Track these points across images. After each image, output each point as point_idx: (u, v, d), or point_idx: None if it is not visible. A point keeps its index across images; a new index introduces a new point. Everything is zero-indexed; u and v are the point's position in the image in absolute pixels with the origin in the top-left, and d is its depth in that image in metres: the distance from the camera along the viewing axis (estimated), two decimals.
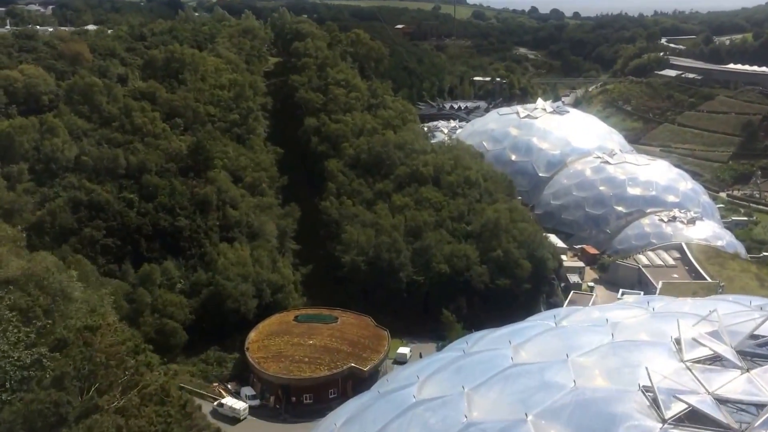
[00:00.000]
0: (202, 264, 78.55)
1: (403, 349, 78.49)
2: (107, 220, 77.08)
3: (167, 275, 75.48)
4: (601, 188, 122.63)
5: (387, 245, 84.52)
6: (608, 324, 34.73)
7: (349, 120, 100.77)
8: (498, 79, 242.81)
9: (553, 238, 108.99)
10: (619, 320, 35.10)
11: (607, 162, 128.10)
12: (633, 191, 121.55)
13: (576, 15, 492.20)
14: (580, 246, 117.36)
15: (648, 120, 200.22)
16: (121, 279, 73.47)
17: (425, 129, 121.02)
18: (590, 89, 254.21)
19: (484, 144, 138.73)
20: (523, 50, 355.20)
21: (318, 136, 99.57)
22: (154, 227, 79.10)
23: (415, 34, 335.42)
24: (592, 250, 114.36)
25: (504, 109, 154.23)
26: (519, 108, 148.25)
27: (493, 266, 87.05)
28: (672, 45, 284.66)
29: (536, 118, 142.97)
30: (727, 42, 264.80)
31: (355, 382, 66.06)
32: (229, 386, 68.05)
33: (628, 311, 38.19)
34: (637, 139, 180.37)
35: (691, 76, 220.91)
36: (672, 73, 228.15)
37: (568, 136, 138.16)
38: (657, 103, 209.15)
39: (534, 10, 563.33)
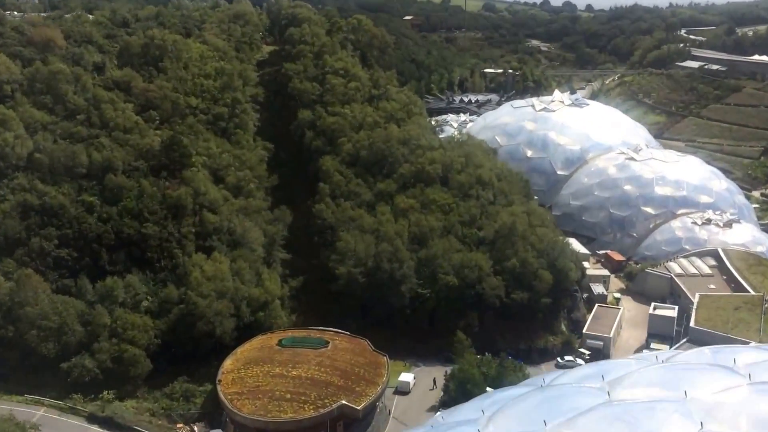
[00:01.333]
0: (174, 278, 67.91)
1: (406, 376, 67.82)
2: (62, 228, 66.44)
3: (131, 291, 65.03)
4: (626, 187, 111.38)
5: (388, 254, 73.82)
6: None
7: (348, 113, 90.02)
8: (510, 71, 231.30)
9: (574, 243, 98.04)
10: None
11: (632, 158, 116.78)
12: (662, 191, 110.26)
13: (589, 8, 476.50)
14: (603, 252, 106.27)
15: (671, 113, 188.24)
16: (76, 296, 63.15)
17: (433, 123, 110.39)
18: (607, 82, 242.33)
19: (497, 139, 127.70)
20: (535, 42, 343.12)
21: (313, 131, 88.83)
22: (117, 235, 68.39)
23: (424, 26, 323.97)
24: (617, 257, 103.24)
25: (518, 102, 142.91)
26: (535, 100, 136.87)
27: (508, 277, 76.41)
28: (691, 36, 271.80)
29: (553, 111, 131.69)
30: (750, 33, 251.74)
31: (348, 424, 55.47)
32: (195, 429, 57.31)
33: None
34: (660, 134, 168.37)
35: (714, 67, 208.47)
36: (694, 64, 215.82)
37: (589, 131, 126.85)
38: (680, 96, 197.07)
39: (546, 2, 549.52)
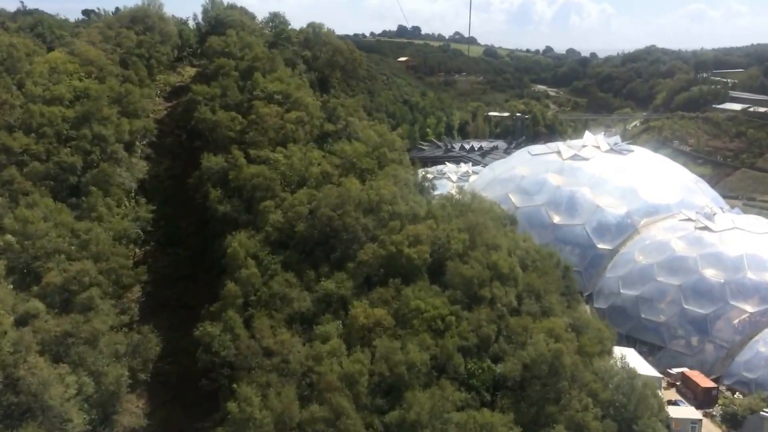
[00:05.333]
0: None
1: None
2: None
3: None
4: (706, 271, 76.08)
5: (325, 424, 38.59)
6: None
7: (281, 159, 55.49)
8: (519, 114, 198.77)
9: (632, 357, 62.73)
10: None
11: (705, 227, 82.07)
12: (757, 276, 75.23)
13: (593, 55, 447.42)
14: (678, 371, 70.68)
15: (718, 164, 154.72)
16: None
17: (424, 175, 75.55)
18: (629, 127, 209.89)
19: (511, 198, 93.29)
20: (541, 87, 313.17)
21: (222, 188, 54.42)
22: None
23: (421, 68, 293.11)
24: (703, 380, 67.16)
25: (537, 148, 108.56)
26: (560, 145, 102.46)
27: None
28: (720, 78, 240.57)
29: (586, 159, 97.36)
30: None
31: None
32: None
33: None
34: None
35: (762, 109, 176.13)
36: (736, 106, 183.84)
37: (637, 186, 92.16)
38: (724, 143, 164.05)
39: (549, 49, 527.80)
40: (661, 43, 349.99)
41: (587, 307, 77.18)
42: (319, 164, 58.00)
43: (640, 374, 54.11)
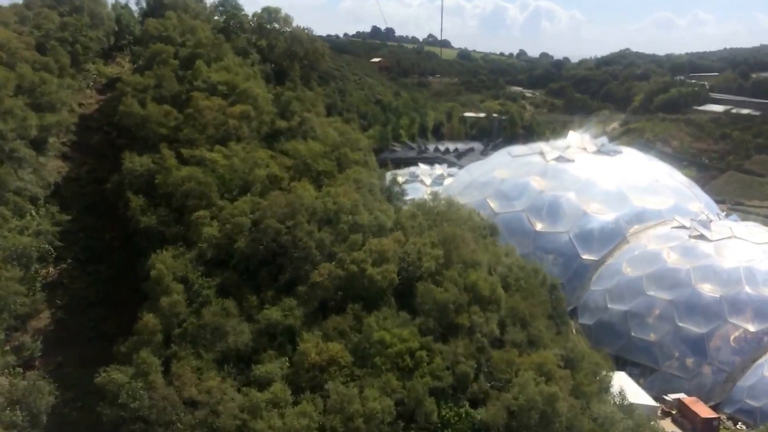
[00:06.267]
0: None
1: None
2: None
3: None
4: (701, 286, 68.82)
5: None
6: None
7: (220, 160, 46.88)
8: (495, 114, 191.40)
9: (624, 381, 55.46)
10: None
11: (700, 236, 74.93)
12: (758, 291, 68.14)
13: (566, 59, 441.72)
14: (674, 397, 63.33)
15: (704, 166, 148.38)
16: None
17: (393, 179, 67.37)
18: (607, 129, 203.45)
19: (489, 203, 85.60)
20: (517, 88, 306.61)
21: (148, 195, 45.62)
22: None
23: (394, 69, 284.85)
24: (702, 410, 59.49)
25: (518, 149, 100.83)
26: (543, 146, 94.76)
27: None
28: (695, 81, 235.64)
29: (571, 161, 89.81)
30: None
31: None
32: None
33: None
34: None
35: (745, 111, 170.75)
36: (718, 108, 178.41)
37: (626, 191, 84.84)
38: (708, 145, 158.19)
39: (522, 53, 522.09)
40: (633, 49, 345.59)
41: (576, 324, 69.89)
42: (266, 166, 49.30)
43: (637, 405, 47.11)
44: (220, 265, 42.77)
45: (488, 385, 40.06)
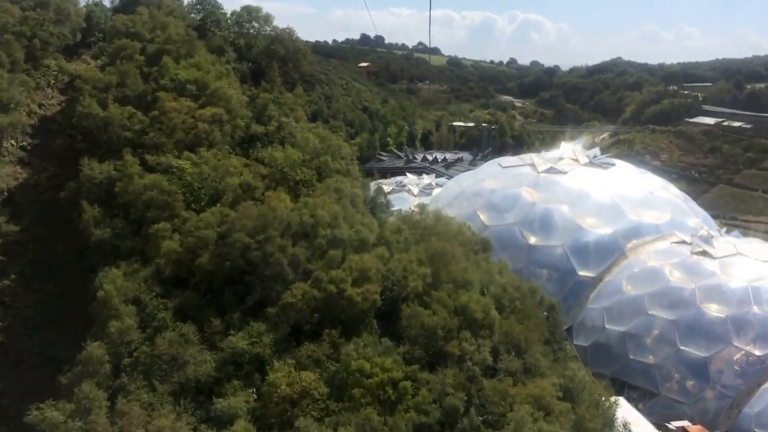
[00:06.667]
0: None
1: None
2: None
3: None
4: (706, 306, 64.97)
5: None
6: None
7: (187, 167, 42.46)
8: (485, 124, 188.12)
9: (623, 408, 51.20)
10: None
11: (703, 252, 71.17)
12: (766, 312, 64.46)
13: (556, 68, 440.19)
14: (677, 425, 59.23)
15: (693, 179, 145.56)
16: None
17: (378, 189, 63.27)
18: (597, 140, 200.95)
19: (479, 215, 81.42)
20: (507, 97, 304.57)
21: (106, 205, 41.16)
22: None
23: (383, 75, 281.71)
24: None
25: (509, 159, 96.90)
26: (534, 157, 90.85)
27: None
28: (689, 92, 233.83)
29: (564, 173, 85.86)
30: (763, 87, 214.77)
31: None
32: None
33: None
34: None
35: (736, 124, 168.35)
36: (710, 120, 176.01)
37: (622, 204, 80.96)
38: (698, 158, 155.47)
39: (513, 61, 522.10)
40: (624, 58, 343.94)
41: (571, 347, 65.81)
42: (240, 174, 44.90)
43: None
44: (179, 284, 38.18)
45: (480, 419, 35.75)
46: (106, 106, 46.72)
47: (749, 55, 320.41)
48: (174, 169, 43.01)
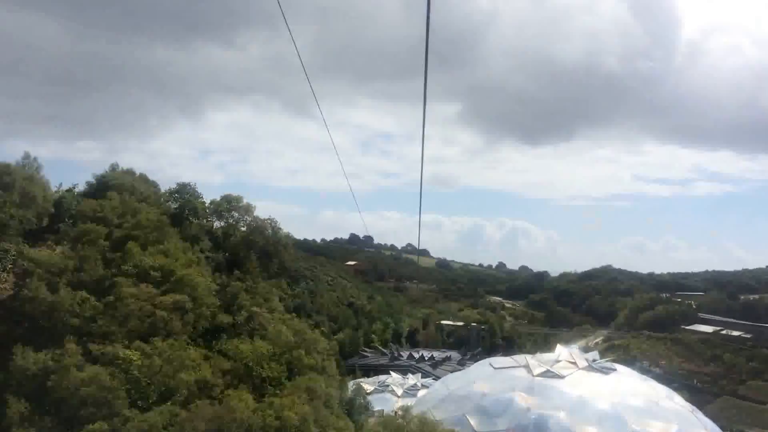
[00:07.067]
0: None
1: None
2: None
3: None
4: None
5: None
6: None
7: (136, 359, 37.02)
8: (474, 324, 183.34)
9: None
10: None
11: None
12: None
13: (545, 273, 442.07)
14: None
15: (695, 389, 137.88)
16: None
17: (357, 388, 57.25)
18: (590, 344, 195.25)
19: (469, 420, 74.02)
20: (496, 298, 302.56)
21: (37, 400, 34.57)
22: None
23: (371, 273, 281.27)
24: None
25: (501, 360, 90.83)
26: (529, 359, 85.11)
27: None
28: (681, 300, 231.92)
29: (561, 377, 79.83)
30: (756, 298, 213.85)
31: None
32: None
33: None
34: None
35: (736, 333, 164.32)
36: (707, 328, 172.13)
37: (625, 414, 73.99)
38: (699, 366, 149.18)
39: (502, 265, 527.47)
40: (615, 266, 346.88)
41: None
42: (197, 369, 39.31)
43: None
44: None
45: None
46: (57, 290, 42.16)
47: (739, 268, 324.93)
48: (120, 361, 37.49)
